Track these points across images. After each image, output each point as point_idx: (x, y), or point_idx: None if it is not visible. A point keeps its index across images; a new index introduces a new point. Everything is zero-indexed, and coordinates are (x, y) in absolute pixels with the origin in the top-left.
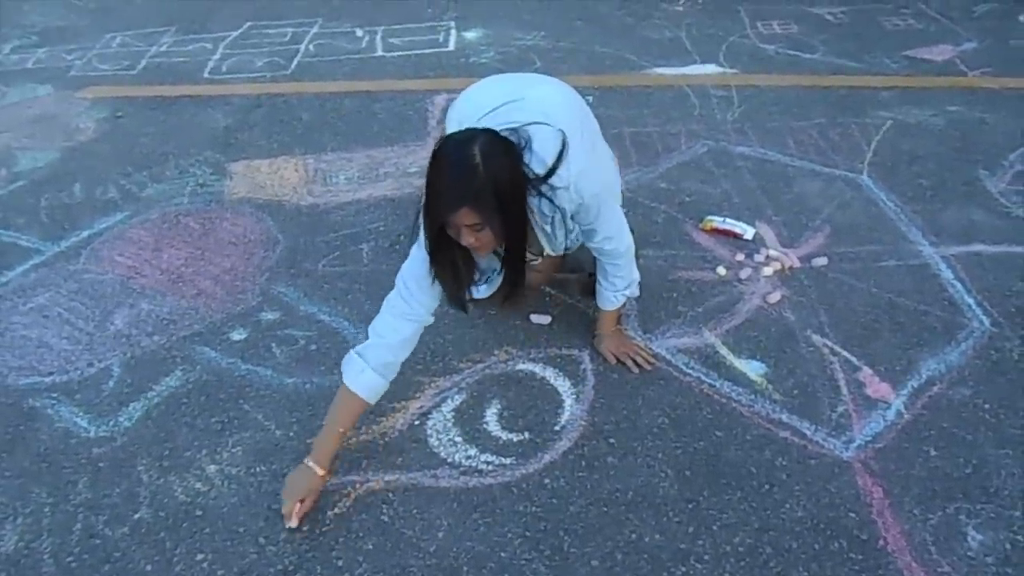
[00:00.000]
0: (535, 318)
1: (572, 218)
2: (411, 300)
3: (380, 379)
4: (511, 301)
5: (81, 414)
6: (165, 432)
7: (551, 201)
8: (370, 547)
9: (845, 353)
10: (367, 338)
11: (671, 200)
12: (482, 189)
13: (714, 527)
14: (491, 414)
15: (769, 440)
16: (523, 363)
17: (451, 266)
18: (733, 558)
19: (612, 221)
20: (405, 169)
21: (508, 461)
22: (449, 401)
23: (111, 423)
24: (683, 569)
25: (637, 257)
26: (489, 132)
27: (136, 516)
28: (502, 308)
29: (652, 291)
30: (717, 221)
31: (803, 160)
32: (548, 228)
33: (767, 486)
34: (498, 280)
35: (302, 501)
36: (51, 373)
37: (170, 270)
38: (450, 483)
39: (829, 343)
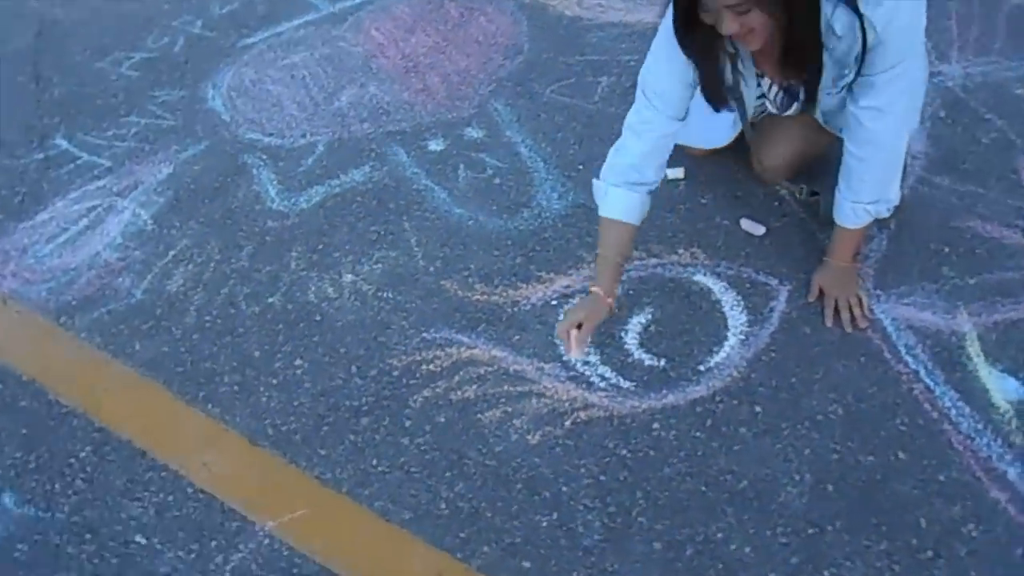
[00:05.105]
0: (746, 224)
1: (864, 52)
2: (648, 107)
3: (630, 194)
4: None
5: (275, 183)
6: (329, 225)
7: (852, 8)
8: (442, 420)
9: None
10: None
11: (1018, 116)
12: None
13: (825, 573)
14: (636, 323)
15: (971, 495)
16: (703, 275)
17: (706, 48)
18: None
19: (895, 91)
20: None
21: (626, 385)
22: None
23: (292, 200)
24: None
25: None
26: None
27: (270, 300)
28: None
29: (916, 234)
30: None
31: None
32: (824, 57)
33: (930, 553)
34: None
35: (579, 327)
36: (271, 134)
37: (410, 56)
38: (552, 384)
39: None
